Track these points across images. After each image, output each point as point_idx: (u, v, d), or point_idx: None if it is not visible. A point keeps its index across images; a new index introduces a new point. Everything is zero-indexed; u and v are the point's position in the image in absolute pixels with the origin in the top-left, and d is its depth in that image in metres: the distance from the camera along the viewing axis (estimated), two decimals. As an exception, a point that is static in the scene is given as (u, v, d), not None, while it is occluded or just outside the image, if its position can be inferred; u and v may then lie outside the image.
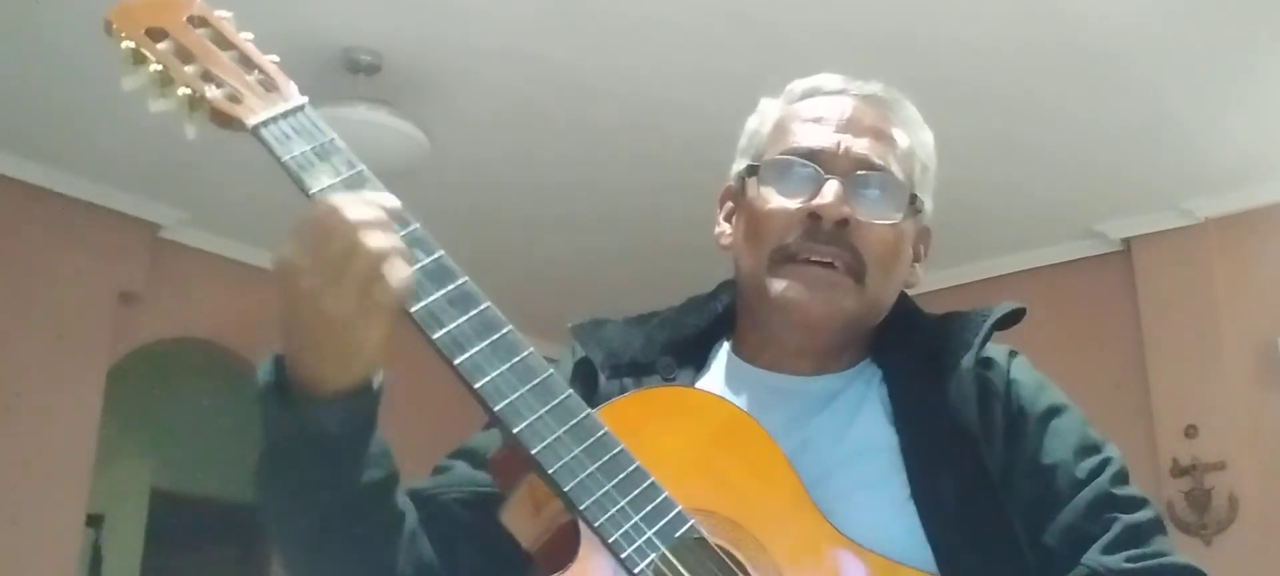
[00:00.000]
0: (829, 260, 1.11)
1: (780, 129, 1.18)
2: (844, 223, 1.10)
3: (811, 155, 1.13)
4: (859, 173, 1.13)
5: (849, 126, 1.15)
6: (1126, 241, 4.40)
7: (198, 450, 5.28)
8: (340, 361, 0.91)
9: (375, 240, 0.89)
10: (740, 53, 3.17)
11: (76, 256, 4.03)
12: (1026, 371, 1.16)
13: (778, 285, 1.12)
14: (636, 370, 1.16)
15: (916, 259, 1.21)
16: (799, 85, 1.22)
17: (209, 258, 4.33)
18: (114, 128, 3.50)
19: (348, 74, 3.33)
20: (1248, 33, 3.23)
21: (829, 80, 1.21)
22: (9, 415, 3.81)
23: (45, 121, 3.63)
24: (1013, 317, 1.16)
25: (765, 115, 1.22)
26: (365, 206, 0.91)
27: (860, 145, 1.14)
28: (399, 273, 0.89)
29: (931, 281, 4.59)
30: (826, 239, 1.10)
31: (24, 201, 3.93)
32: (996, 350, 1.16)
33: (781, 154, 1.15)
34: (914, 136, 1.20)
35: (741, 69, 3.14)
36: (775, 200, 1.13)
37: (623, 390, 1.14)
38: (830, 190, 1.11)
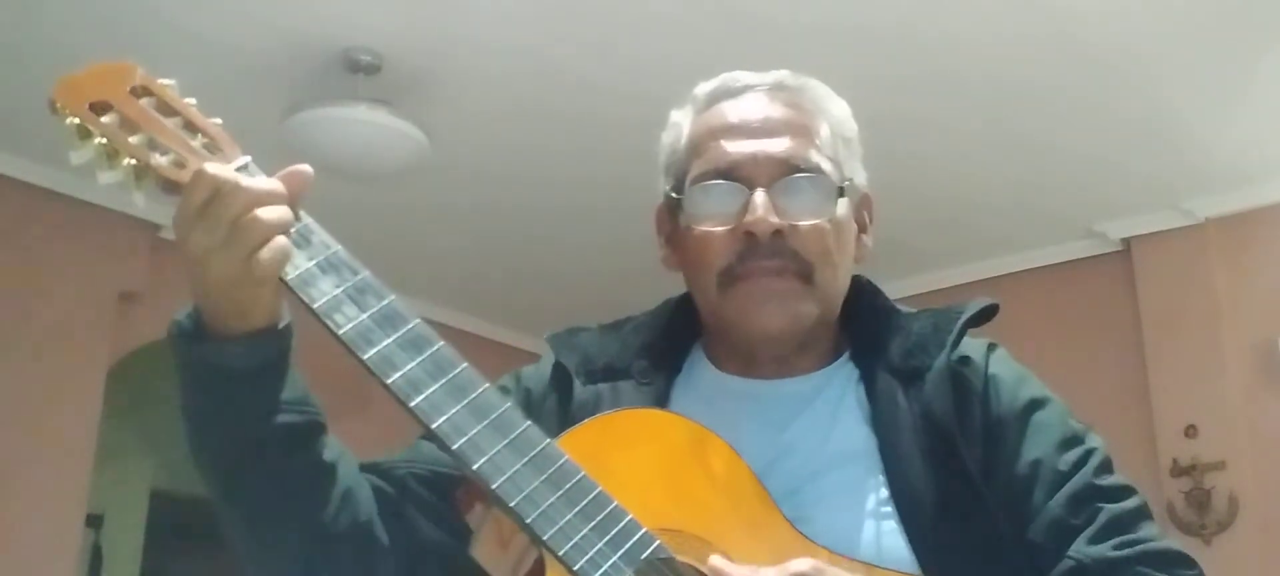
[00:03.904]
0: (774, 270, 1.11)
1: (695, 146, 1.17)
2: (779, 232, 1.10)
3: (732, 171, 1.12)
4: (784, 177, 1.12)
5: (763, 128, 1.14)
6: (1126, 241, 4.40)
7: (198, 450, 5.26)
8: (235, 314, 0.95)
9: (266, 214, 0.93)
10: (741, 49, 3.15)
11: (76, 256, 4.03)
12: (1005, 365, 1.15)
13: (732, 308, 1.12)
14: (612, 374, 1.16)
15: (862, 230, 1.20)
16: (703, 90, 1.21)
17: (209, 258, 4.33)
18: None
19: (348, 74, 3.33)
20: (1248, 33, 3.23)
21: (733, 78, 1.20)
22: (9, 415, 3.81)
23: (45, 121, 3.63)
24: (986, 314, 1.15)
25: (678, 129, 1.21)
26: (260, 181, 0.95)
27: (779, 147, 1.13)
28: (279, 245, 0.93)
29: (931, 281, 4.57)
30: (766, 253, 1.10)
31: (24, 201, 3.93)
32: (974, 346, 1.15)
33: (702, 176, 1.14)
34: (829, 115, 1.18)
35: (743, 65, 3.13)
36: (706, 225, 1.13)
37: (598, 395, 1.14)
38: (758, 204, 1.10)
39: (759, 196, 1.10)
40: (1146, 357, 4.29)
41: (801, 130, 1.15)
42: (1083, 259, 4.53)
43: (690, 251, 1.15)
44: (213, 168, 0.94)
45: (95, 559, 5.22)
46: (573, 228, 4.42)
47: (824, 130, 1.16)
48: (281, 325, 0.99)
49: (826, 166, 1.14)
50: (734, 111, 1.16)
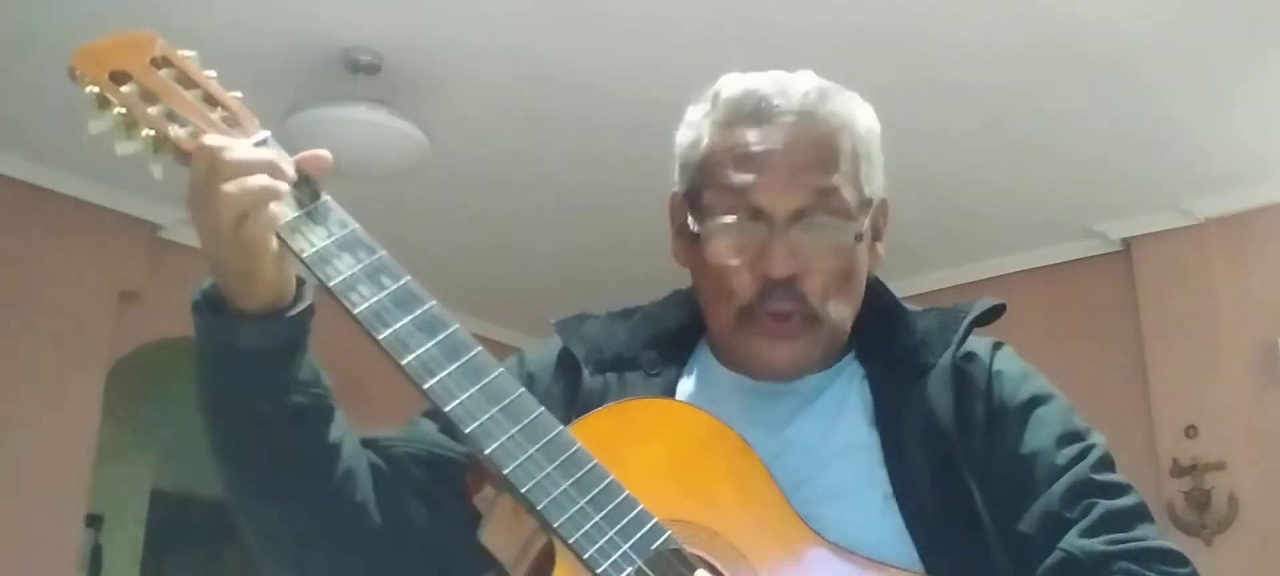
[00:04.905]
0: (788, 312, 1.10)
1: (713, 165, 1.13)
2: (795, 275, 1.09)
3: (751, 203, 1.10)
4: (804, 216, 1.10)
5: (785, 162, 1.10)
6: (1126, 241, 4.40)
7: (198, 450, 5.24)
8: (241, 287, 0.96)
9: (253, 181, 0.93)
10: (740, 52, 3.15)
11: (76, 256, 4.03)
12: (1011, 362, 1.16)
13: (743, 344, 1.13)
14: (620, 364, 1.16)
15: (878, 237, 1.19)
16: (725, 94, 1.16)
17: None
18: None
19: (348, 74, 3.33)
20: (1248, 33, 3.22)
21: (755, 99, 1.14)
22: (9, 414, 3.81)
23: (45, 121, 3.63)
24: (993, 314, 1.16)
25: (697, 132, 1.17)
26: (246, 151, 0.96)
27: (800, 182, 1.10)
28: (269, 212, 0.94)
29: (931, 281, 4.56)
30: (781, 294, 1.10)
31: (24, 201, 3.93)
32: (980, 344, 1.16)
33: (720, 208, 1.11)
34: (852, 133, 1.15)
35: (741, 69, 3.13)
36: (725, 259, 1.11)
37: (606, 385, 1.14)
38: (778, 251, 1.08)
39: (778, 239, 1.09)
40: (1146, 357, 4.29)
41: (825, 162, 1.11)
42: (1083, 259, 4.53)
43: (706, 276, 1.14)
44: (210, 140, 0.95)
45: (95, 559, 5.22)
46: (572, 227, 4.42)
47: (848, 153, 1.13)
48: (300, 307, 0.99)
49: (848, 196, 1.11)
50: (757, 140, 1.11)
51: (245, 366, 0.97)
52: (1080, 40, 3.24)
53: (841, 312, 1.14)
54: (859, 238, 1.12)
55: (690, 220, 1.15)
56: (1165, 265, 4.30)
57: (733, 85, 1.17)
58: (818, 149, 1.12)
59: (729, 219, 1.11)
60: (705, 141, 1.16)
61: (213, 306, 0.98)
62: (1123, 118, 3.63)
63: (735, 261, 1.11)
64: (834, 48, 3.12)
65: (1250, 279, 4.17)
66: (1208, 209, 4.19)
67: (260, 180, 0.94)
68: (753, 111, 1.13)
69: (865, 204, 1.14)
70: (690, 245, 1.17)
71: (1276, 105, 3.59)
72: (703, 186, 1.14)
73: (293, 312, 0.99)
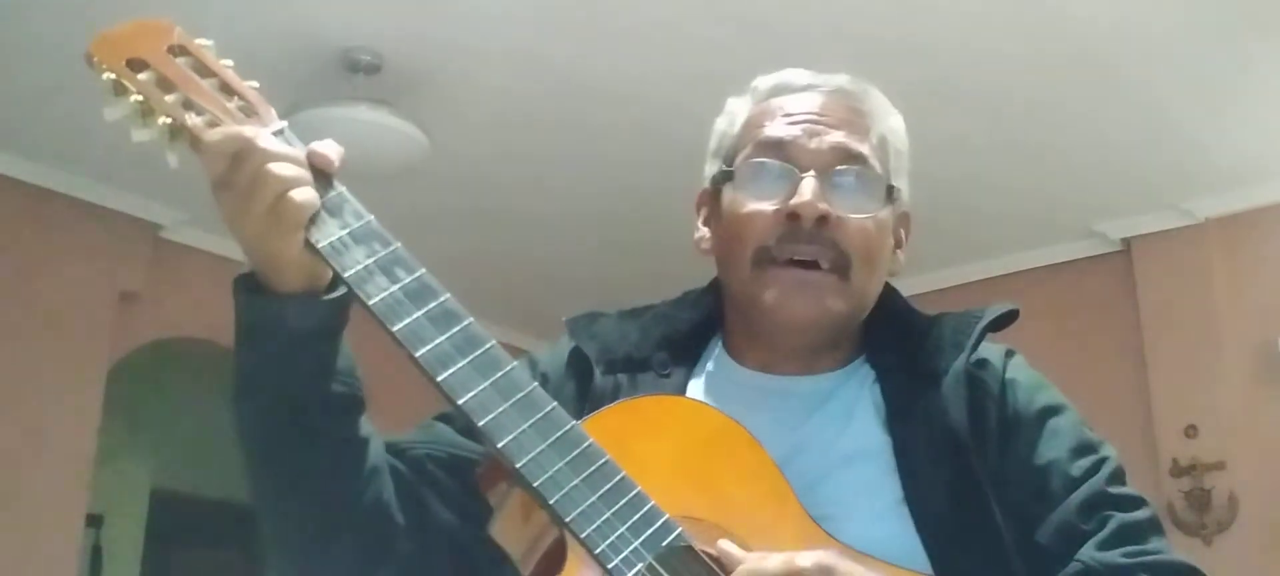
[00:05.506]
0: (812, 259, 1.11)
1: (750, 128, 1.18)
2: (823, 219, 1.10)
3: (784, 153, 1.13)
4: (835, 168, 1.12)
5: (820, 120, 1.15)
6: (1126, 241, 4.40)
7: (198, 450, 5.27)
8: (271, 269, 0.97)
9: (279, 170, 0.94)
10: (741, 55, 3.16)
11: (76, 256, 4.03)
12: (1023, 371, 1.16)
13: (763, 290, 1.12)
14: (631, 365, 1.16)
15: (898, 245, 1.21)
16: (765, 82, 1.21)
17: (209, 257, 4.32)
18: (114, 128, 3.49)
19: (348, 74, 3.33)
20: (1248, 34, 3.22)
21: (795, 75, 1.20)
22: (9, 415, 3.81)
23: (45, 121, 3.64)
24: (1006, 319, 1.16)
25: (734, 115, 1.21)
26: (277, 144, 0.97)
27: (834, 138, 1.14)
28: (301, 196, 0.95)
29: (932, 281, 4.57)
30: (807, 238, 1.10)
31: (24, 201, 3.93)
32: (992, 350, 1.16)
33: (753, 154, 1.15)
34: (885, 123, 1.19)
35: (742, 72, 3.12)
36: (752, 203, 1.13)
37: (617, 386, 1.14)
38: (807, 188, 1.10)
39: (808, 180, 1.11)
40: (1146, 357, 4.29)
41: (857, 128, 1.16)
42: (1083, 259, 4.53)
43: (730, 227, 1.15)
44: (221, 132, 0.96)
45: (95, 559, 5.23)
46: (572, 228, 4.43)
47: (879, 133, 1.17)
48: (338, 293, 0.99)
49: (877, 166, 1.15)
50: (793, 102, 1.17)
51: (287, 348, 0.97)
52: (1081, 42, 3.24)
53: (866, 280, 1.14)
54: (889, 193, 1.15)
55: (722, 169, 1.17)
56: (1165, 265, 4.30)
57: (770, 77, 1.21)
58: (852, 116, 1.16)
59: (760, 160, 1.14)
60: (743, 115, 1.20)
61: (253, 287, 0.98)
62: (1123, 118, 3.63)
63: (762, 204, 1.12)
64: (837, 52, 3.10)
65: (1250, 279, 4.17)
66: (1208, 209, 4.19)
67: (293, 169, 0.95)
68: (788, 86, 1.19)
69: (891, 189, 1.16)
70: (715, 219, 1.18)
71: (1276, 105, 3.59)
72: (738, 149, 1.17)
73: (330, 297, 0.99)
